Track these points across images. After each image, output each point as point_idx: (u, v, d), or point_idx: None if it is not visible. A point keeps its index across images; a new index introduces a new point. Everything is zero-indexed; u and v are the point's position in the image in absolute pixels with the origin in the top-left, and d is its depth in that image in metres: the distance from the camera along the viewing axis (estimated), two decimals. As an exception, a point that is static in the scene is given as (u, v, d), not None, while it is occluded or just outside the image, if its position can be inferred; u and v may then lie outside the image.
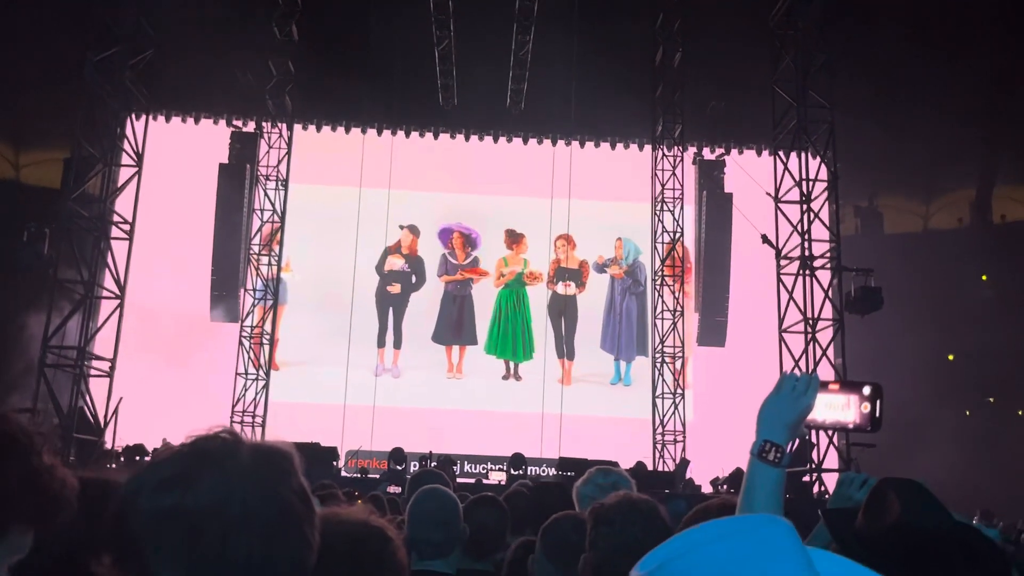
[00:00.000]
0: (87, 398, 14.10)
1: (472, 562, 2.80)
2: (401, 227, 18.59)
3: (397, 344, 18.49)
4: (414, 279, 18.75)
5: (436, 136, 19.06)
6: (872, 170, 18.90)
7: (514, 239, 18.90)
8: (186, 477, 0.97)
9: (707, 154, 18.30)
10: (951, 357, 19.31)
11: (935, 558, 1.64)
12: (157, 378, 16.48)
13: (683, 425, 16.58)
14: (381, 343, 18.46)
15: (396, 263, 18.68)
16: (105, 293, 14.93)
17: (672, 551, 0.71)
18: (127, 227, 15.06)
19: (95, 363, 14.68)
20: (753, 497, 1.50)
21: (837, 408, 1.64)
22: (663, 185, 17.70)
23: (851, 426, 1.64)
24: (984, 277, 20.10)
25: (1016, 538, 7.84)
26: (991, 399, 19.30)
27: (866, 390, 1.64)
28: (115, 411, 13.90)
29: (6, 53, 15.75)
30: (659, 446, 16.64)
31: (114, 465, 13.06)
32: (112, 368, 14.57)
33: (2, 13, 15.15)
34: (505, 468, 13.91)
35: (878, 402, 1.63)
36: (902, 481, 1.78)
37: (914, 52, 16.10)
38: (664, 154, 17.83)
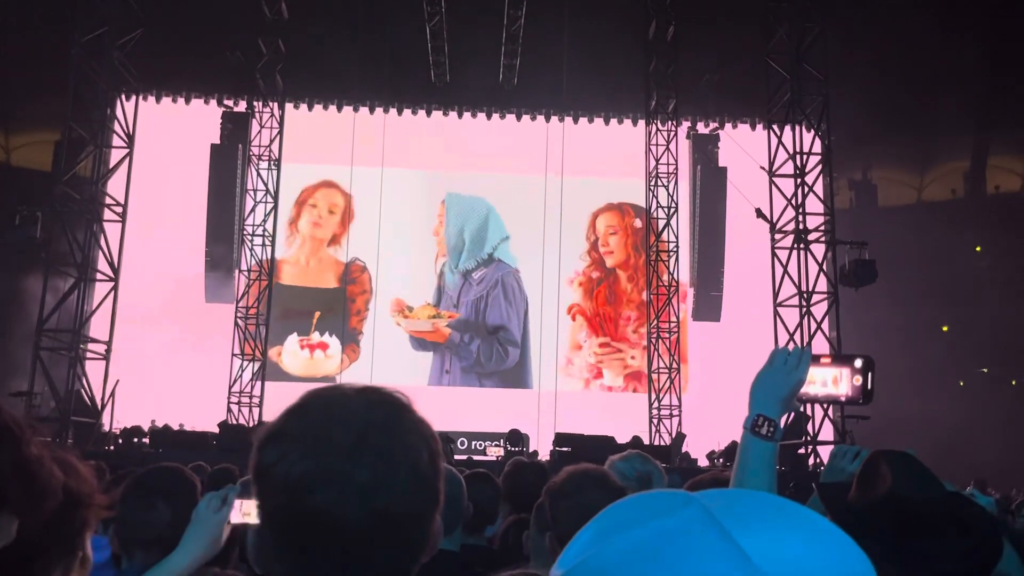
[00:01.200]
0: (83, 381, 14.11)
1: (466, 537, 2.82)
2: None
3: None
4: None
5: (428, 114, 18.95)
6: (866, 143, 18.88)
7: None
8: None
9: (701, 128, 18.24)
10: (945, 328, 19.41)
11: (927, 528, 1.66)
12: (153, 360, 16.49)
13: (679, 400, 16.65)
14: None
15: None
16: (99, 276, 14.89)
17: (584, 545, 0.70)
18: (119, 209, 15.00)
19: (91, 346, 14.68)
20: (746, 471, 1.51)
21: (829, 381, 1.64)
22: (657, 160, 17.64)
23: (843, 399, 1.65)
24: (978, 248, 20.15)
25: (1010, 507, 7.91)
26: (985, 369, 19.42)
27: (858, 363, 1.65)
28: (112, 393, 13.91)
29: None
30: (655, 420, 16.72)
31: (112, 447, 13.11)
32: (108, 350, 14.58)
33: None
34: (503, 444, 13.98)
35: (870, 374, 1.63)
36: (894, 452, 1.80)
37: (908, 24, 16.03)
38: (658, 129, 17.75)
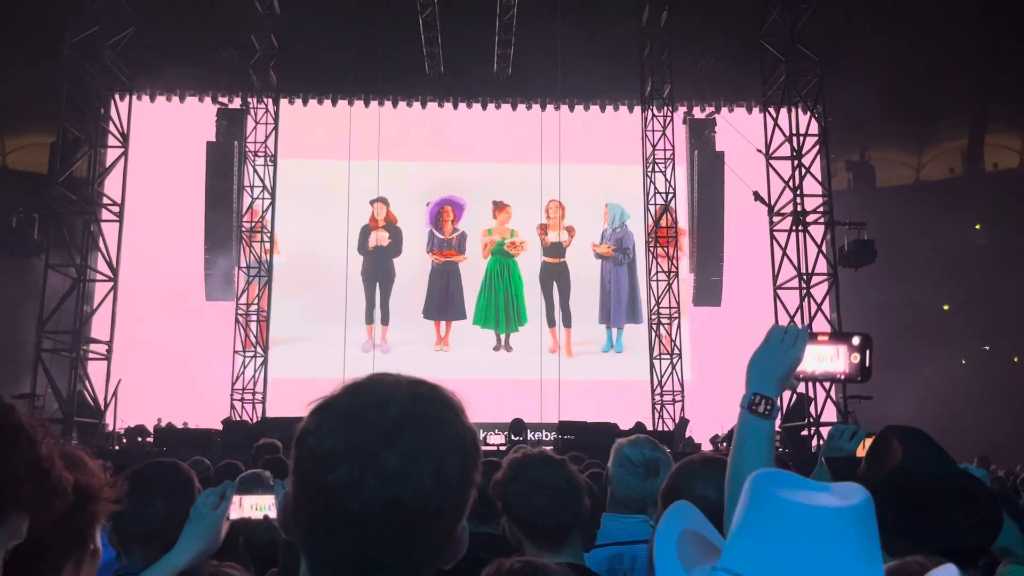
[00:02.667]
0: (86, 382, 14.12)
1: (476, 525, 2.82)
2: (372, 201, 18.45)
3: (385, 320, 18.45)
4: (394, 247, 18.73)
5: (424, 105, 18.88)
6: (863, 123, 18.82)
7: (498, 208, 18.81)
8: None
9: (697, 113, 18.19)
10: (946, 307, 19.40)
11: (937, 503, 1.65)
12: (155, 359, 16.49)
13: (681, 385, 16.67)
14: (369, 320, 18.41)
15: (382, 237, 18.58)
16: (98, 276, 14.89)
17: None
18: (116, 209, 14.98)
19: (92, 346, 14.68)
20: (743, 449, 1.50)
21: (827, 359, 1.63)
22: (653, 146, 17.60)
23: (841, 376, 1.63)
24: (977, 226, 20.13)
25: (1016, 483, 7.93)
26: (986, 347, 19.43)
27: (856, 340, 1.63)
28: (114, 393, 13.93)
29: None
30: (658, 407, 16.75)
31: (117, 447, 13.14)
32: (109, 351, 14.58)
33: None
34: (505, 433, 14.00)
35: (868, 352, 1.62)
36: (905, 428, 1.79)
37: (903, 2, 15.97)
38: (653, 115, 17.71)
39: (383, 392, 0.97)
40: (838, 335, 1.65)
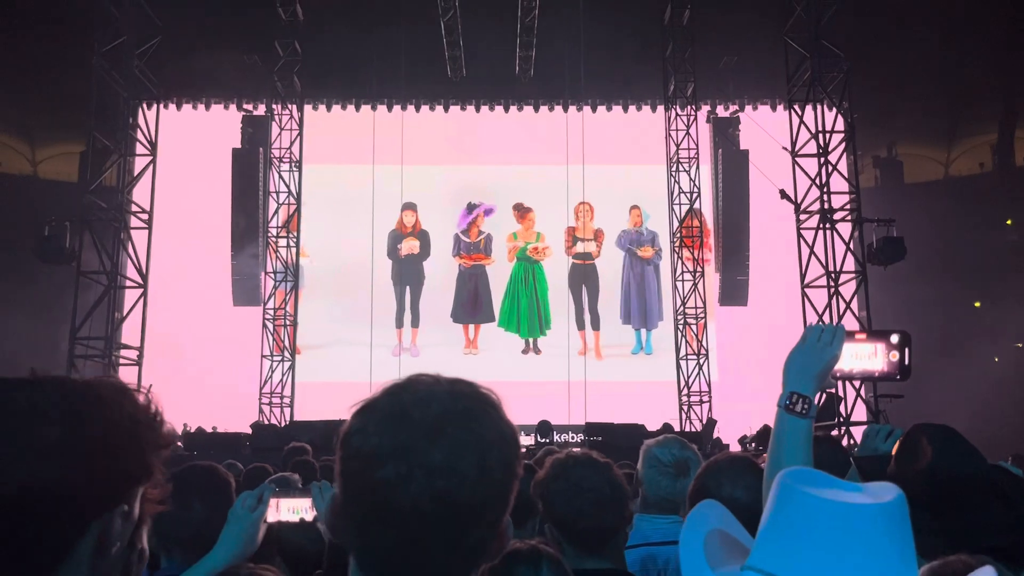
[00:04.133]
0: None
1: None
2: (402, 208, 18.55)
3: (415, 323, 18.55)
4: (424, 252, 18.84)
5: (446, 109, 18.94)
6: (890, 119, 18.60)
7: (522, 213, 18.80)
8: None
9: (721, 111, 18.07)
10: (977, 304, 19.11)
11: (970, 501, 1.64)
12: (185, 364, 16.66)
13: (708, 385, 16.56)
14: (399, 323, 18.52)
15: (413, 245, 18.69)
16: (128, 283, 15.09)
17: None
18: (145, 216, 15.18)
19: (123, 352, 14.88)
20: (781, 449, 1.49)
21: (864, 357, 1.61)
22: (678, 145, 17.52)
23: (879, 375, 1.62)
24: (1009, 222, 19.80)
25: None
26: (1020, 344, 19.10)
27: (894, 338, 1.62)
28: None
29: (16, 52, 15.83)
30: (685, 407, 16.65)
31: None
32: (140, 356, 14.78)
33: (8, 13, 15.19)
34: (533, 435, 13.99)
35: (907, 350, 1.60)
36: (934, 426, 1.77)
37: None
38: (677, 114, 17.63)
39: (424, 391, 1.00)
40: (876, 333, 1.63)
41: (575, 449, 2.33)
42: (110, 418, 0.98)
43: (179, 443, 12.96)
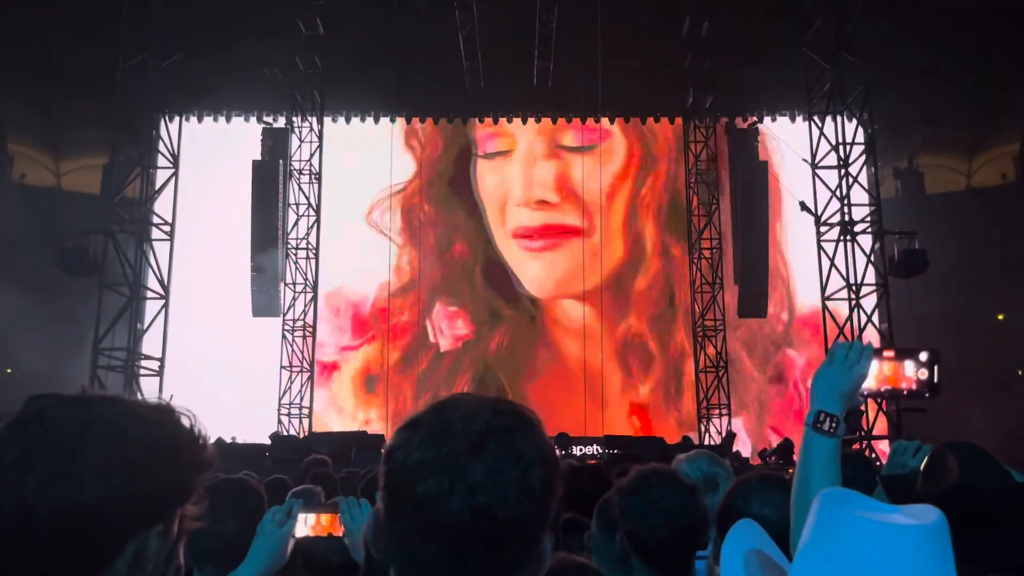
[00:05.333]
0: (139, 396, 14.41)
1: None
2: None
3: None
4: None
5: (464, 121, 19.02)
6: (911, 129, 18.46)
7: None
8: None
9: (739, 123, 18.04)
10: (1001, 317, 18.90)
11: (998, 519, 1.62)
12: (205, 374, 16.77)
13: (727, 398, 16.47)
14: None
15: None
16: (150, 294, 15.25)
17: None
18: (167, 228, 15.35)
19: (145, 362, 15.02)
20: (810, 467, 1.49)
21: (892, 375, 1.61)
22: (696, 157, 17.50)
23: (907, 393, 1.61)
24: (1032, 233, 19.58)
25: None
26: (1044, 357, 18.86)
27: (923, 356, 1.61)
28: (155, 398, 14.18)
29: (41, 64, 16.06)
30: (704, 420, 16.57)
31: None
32: (161, 366, 14.91)
33: (33, 26, 15.43)
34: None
35: (936, 367, 1.60)
36: (960, 444, 1.76)
37: (948, 3, 15.68)
38: (696, 125, 17.61)
39: (467, 408, 1.02)
40: (904, 351, 1.63)
41: (659, 465, 2.29)
42: (153, 439, 1.00)
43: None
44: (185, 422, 1.06)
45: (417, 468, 0.97)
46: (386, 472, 1.00)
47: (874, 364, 1.57)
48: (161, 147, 15.58)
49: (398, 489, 0.98)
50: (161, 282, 15.18)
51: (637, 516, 2.05)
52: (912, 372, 1.60)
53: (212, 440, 1.09)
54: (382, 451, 1.03)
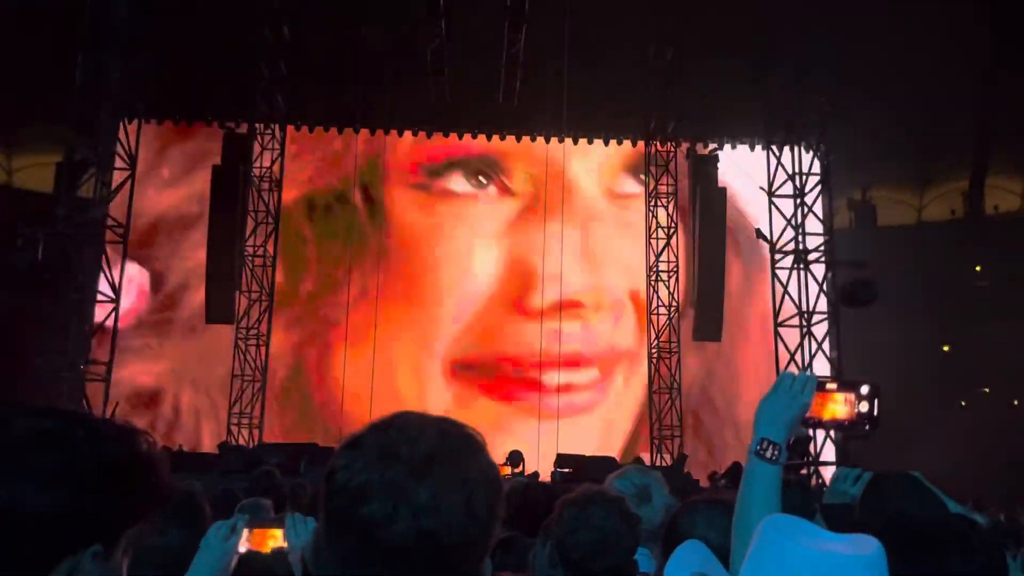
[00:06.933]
0: (84, 403, 14.08)
1: None
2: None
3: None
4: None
5: (429, 135, 19.01)
6: (865, 162, 18.94)
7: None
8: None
9: (700, 149, 18.31)
10: (946, 348, 19.39)
11: (932, 548, 1.66)
12: (153, 381, 16.45)
13: (680, 420, 16.62)
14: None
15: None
16: (100, 297, 14.91)
17: None
18: (121, 231, 15.05)
19: (91, 368, 14.66)
20: (751, 493, 1.51)
21: (834, 406, 1.65)
22: (656, 181, 17.72)
23: (848, 424, 1.65)
24: (978, 268, 20.17)
25: (1015, 528, 7.86)
26: (986, 389, 19.38)
27: (864, 389, 1.65)
28: (111, 415, 13.87)
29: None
30: (656, 441, 16.68)
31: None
32: (108, 372, 14.56)
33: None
34: (504, 464, 13.92)
35: (876, 401, 1.64)
36: (898, 474, 1.81)
37: (906, 42, 16.14)
38: (657, 149, 17.85)
39: (413, 429, 1.00)
40: (847, 383, 1.67)
41: (608, 489, 2.31)
42: (107, 457, 0.98)
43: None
44: (143, 445, 1.03)
45: (360, 491, 0.95)
46: (328, 494, 0.98)
47: (817, 395, 1.61)
48: (118, 148, 15.29)
49: (340, 512, 0.96)
50: (112, 285, 14.86)
51: (567, 528, 2.08)
52: (853, 404, 1.64)
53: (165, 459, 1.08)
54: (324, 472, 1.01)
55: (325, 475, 0.99)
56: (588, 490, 2.19)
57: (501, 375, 17.80)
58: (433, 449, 0.97)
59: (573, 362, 17.47)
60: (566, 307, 17.34)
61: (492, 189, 18.83)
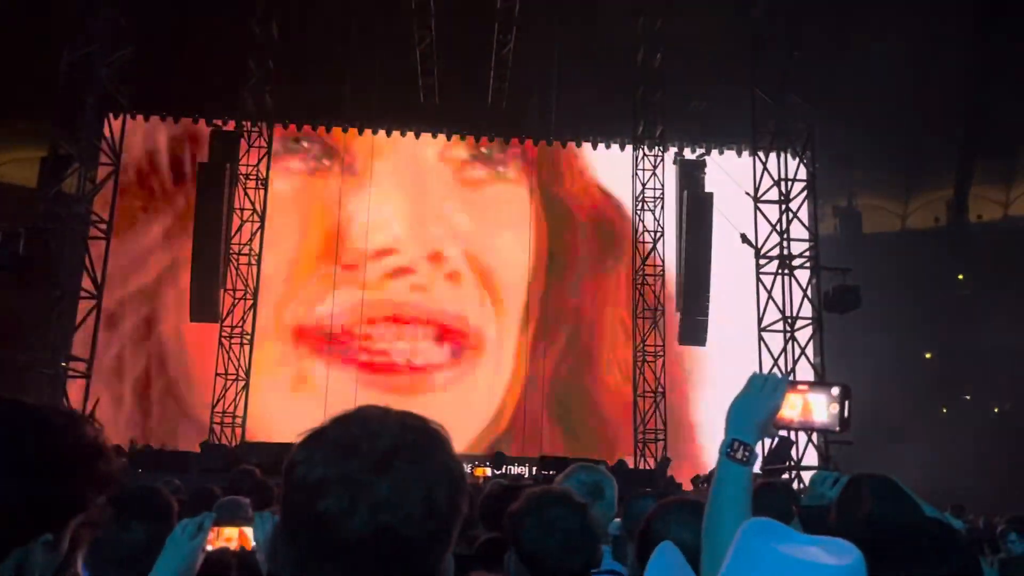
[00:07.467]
0: (64, 400, 13.96)
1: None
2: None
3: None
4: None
5: (417, 136, 18.98)
6: (851, 170, 19.07)
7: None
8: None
9: (687, 154, 18.37)
10: (928, 355, 19.52)
11: (907, 551, 1.66)
12: (135, 378, 16.32)
13: (664, 424, 16.64)
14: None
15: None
16: (82, 293, 14.79)
17: None
18: (104, 226, 14.93)
19: (72, 364, 14.53)
20: (722, 495, 1.51)
21: (806, 408, 1.64)
22: (644, 185, 17.76)
23: (819, 426, 1.65)
24: (960, 276, 20.33)
25: (994, 535, 7.91)
26: (967, 396, 19.53)
27: (835, 390, 1.65)
28: (91, 412, 13.75)
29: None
30: (640, 444, 16.70)
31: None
32: (89, 369, 14.44)
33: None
34: (488, 465, 13.90)
35: (847, 403, 1.64)
36: (874, 476, 1.80)
37: (892, 53, 16.26)
38: (645, 154, 17.89)
39: (374, 423, 0.98)
40: (818, 384, 1.66)
41: (549, 486, 2.27)
42: (52, 446, 0.96)
43: (123, 469, 12.65)
44: (90, 433, 1.01)
45: (318, 485, 0.93)
46: (286, 488, 0.96)
47: (789, 396, 1.61)
48: (103, 144, 15.17)
49: (298, 506, 0.94)
50: (94, 282, 14.73)
51: (534, 538, 2.04)
52: (824, 406, 1.64)
53: (118, 454, 1.06)
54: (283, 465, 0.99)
55: (284, 469, 0.97)
56: (534, 493, 2.15)
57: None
58: (394, 443, 0.96)
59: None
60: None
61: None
